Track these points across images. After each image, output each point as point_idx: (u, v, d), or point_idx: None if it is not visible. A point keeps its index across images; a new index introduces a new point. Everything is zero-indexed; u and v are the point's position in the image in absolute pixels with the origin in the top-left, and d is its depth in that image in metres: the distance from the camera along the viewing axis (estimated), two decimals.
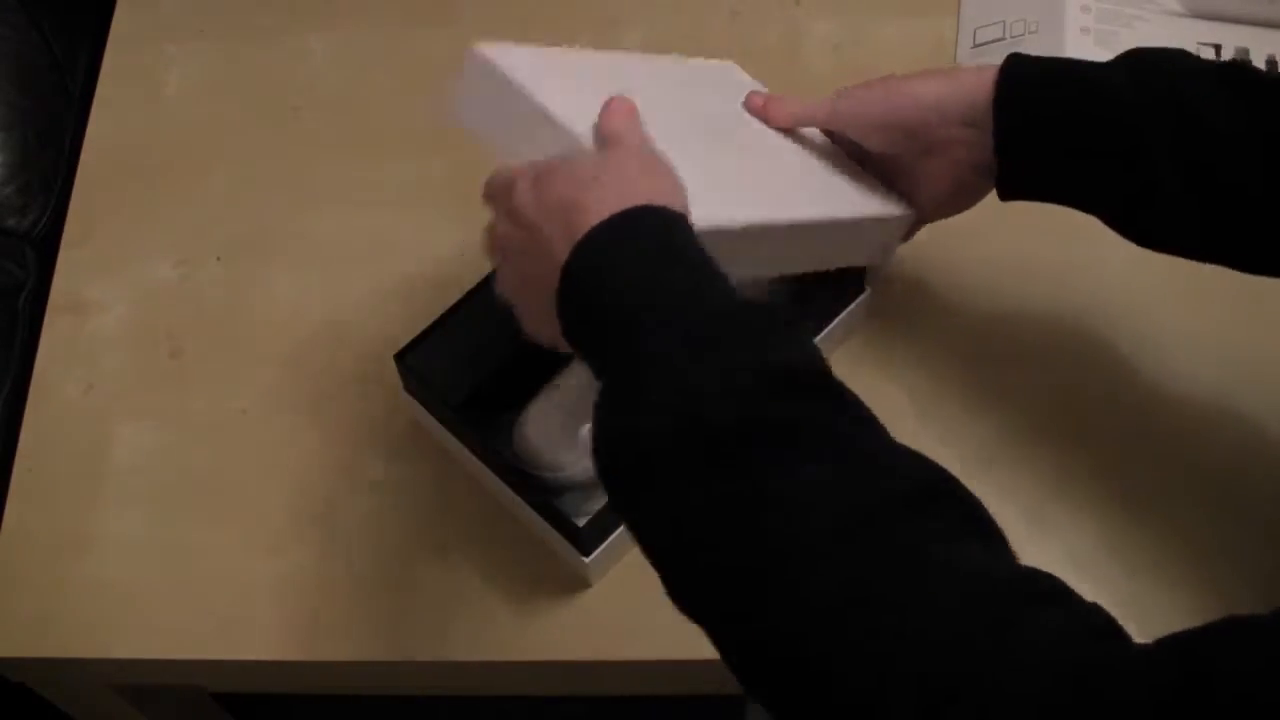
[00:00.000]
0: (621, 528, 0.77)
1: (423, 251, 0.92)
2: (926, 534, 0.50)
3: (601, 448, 0.56)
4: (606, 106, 0.66)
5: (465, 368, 0.79)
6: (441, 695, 0.89)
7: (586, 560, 0.76)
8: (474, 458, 0.80)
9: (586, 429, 0.76)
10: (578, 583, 0.79)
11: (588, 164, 0.62)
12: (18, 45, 1.02)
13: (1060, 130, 0.70)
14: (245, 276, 0.92)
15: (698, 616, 0.55)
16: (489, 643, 0.79)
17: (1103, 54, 0.91)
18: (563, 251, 0.58)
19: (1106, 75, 0.69)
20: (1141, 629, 0.49)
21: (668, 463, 0.53)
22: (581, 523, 0.74)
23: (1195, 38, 0.92)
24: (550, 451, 0.78)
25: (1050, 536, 0.79)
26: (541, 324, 0.62)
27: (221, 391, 0.87)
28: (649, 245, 0.58)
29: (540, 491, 0.77)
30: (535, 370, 0.81)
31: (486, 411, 0.82)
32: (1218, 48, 0.91)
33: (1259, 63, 0.91)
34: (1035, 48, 0.92)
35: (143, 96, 1.00)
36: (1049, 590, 0.50)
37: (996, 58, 0.93)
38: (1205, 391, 0.82)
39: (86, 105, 1.00)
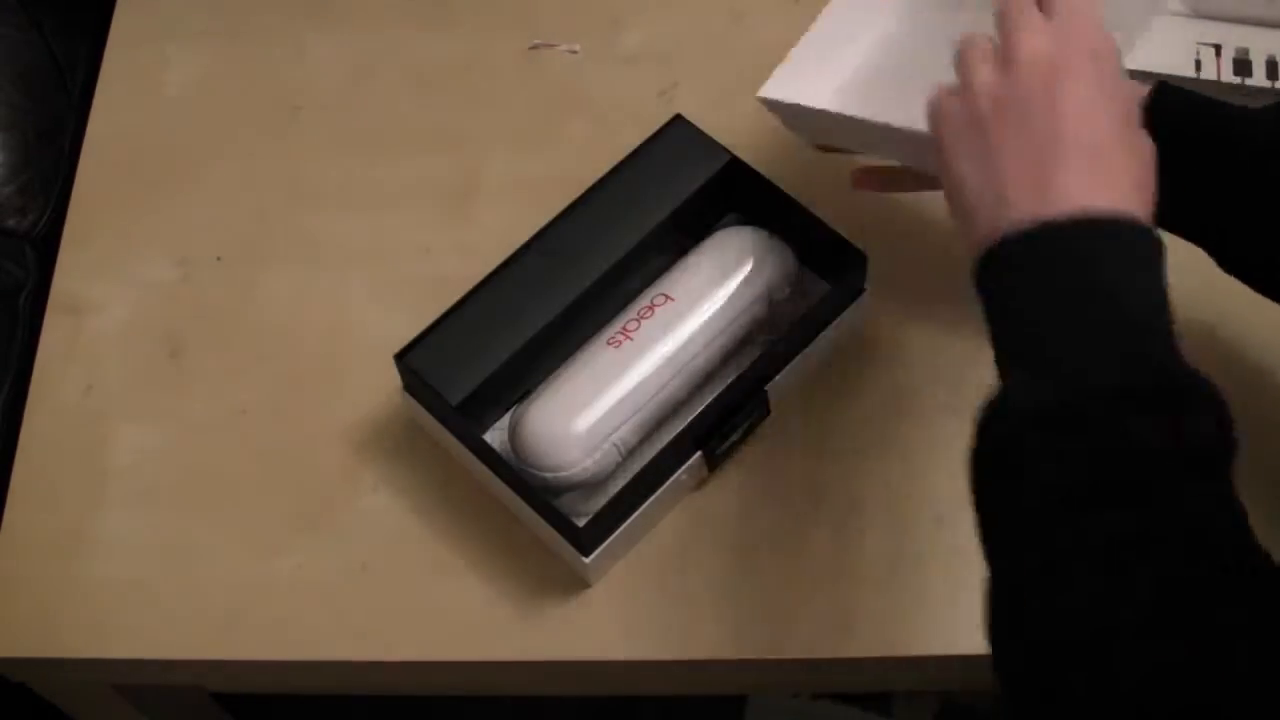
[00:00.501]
0: (621, 528, 0.77)
1: (423, 251, 0.92)
2: None
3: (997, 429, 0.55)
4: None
5: (465, 368, 0.79)
6: (441, 695, 0.89)
7: (586, 560, 0.76)
8: (474, 458, 0.80)
9: (585, 427, 0.76)
10: (578, 583, 0.79)
11: (1070, 101, 0.58)
12: (18, 45, 1.02)
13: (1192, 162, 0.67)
14: (245, 276, 0.92)
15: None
16: (489, 643, 0.79)
17: None
18: (1023, 206, 0.57)
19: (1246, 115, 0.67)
20: None
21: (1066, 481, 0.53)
22: (581, 523, 0.74)
23: (1196, 38, 0.92)
24: (550, 452, 0.78)
25: None
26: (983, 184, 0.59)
27: (221, 391, 0.88)
28: (1107, 266, 0.56)
29: (540, 492, 0.77)
30: (535, 370, 0.81)
31: (486, 411, 0.82)
32: (1218, 48, 0.91)
33: (1259, 63, 0.90)
34: None
35: (143, 96, 1.00)
36: None
37: None
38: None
39: (86, 105, 1.00)
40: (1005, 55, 0.60)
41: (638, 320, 0.80)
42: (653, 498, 0.78)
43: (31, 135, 1.00)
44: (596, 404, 0.78)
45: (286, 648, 0.80)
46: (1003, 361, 0.58)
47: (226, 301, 0.91)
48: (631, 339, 0.80)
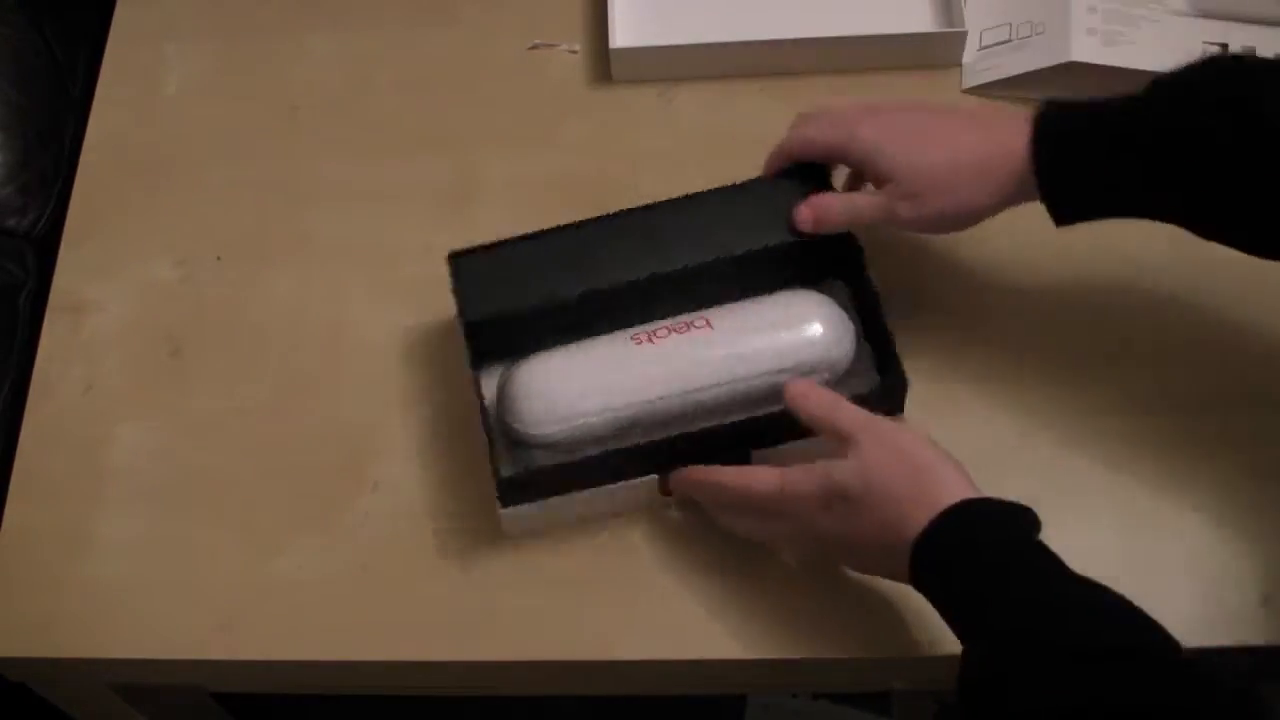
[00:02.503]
0: (548, 501, 0.78)
1: (423, 251, 0.91)
2: None
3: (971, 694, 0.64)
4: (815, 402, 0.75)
5: (494, 292, 0.79)
6: (441, 695, 0.89)
7: (500, 510, 0.78)
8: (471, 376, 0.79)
9: (569, 396, 0.77)
10: (578, 583, 0.79)
11: (878, 488, 0.70)
12: (18, 45, 1.02)
13: (1106, 164, 0.72)
14: (245, 276, 0.92)
15: None
16: (489, 643, 0.79)
17: (1110, 54, 0.91)
18: (919, 516, 0.67)
19: (1135, 104, 0.72)
20: None
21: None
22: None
23: (1201, 37, 0.91)
24: (525, 400, 0.78)
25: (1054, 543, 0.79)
26: (871, 565, 0.73)
27: (221, 391, 0.87)
28: (1002, 534, 0.67)
29: (489, 417, 0.78)
30: (555, 330, 0.80)
31: (497, 345, 0.81)
32: (1224, 47, 0.91)
33: None
34: (1042, 49, 0.92)
35: (143, 96, 1.00)
36: None
37: (1002, 59, 0.94)
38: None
39: (86, 105, 1.00)
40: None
41: (669, 331, 0.80)
42: (590, 491, 0.78)
43: (31, 135, 1.00)
44: (591, 380, 0.78)
45: (286, 648, 0.80)
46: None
47: (226, 301, 0.91)
48: (655, 344, 0.79)
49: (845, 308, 0.82)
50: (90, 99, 1.00)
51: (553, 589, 0.80)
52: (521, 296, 0.80)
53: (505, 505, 0.78)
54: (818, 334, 0.79)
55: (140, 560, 0.82)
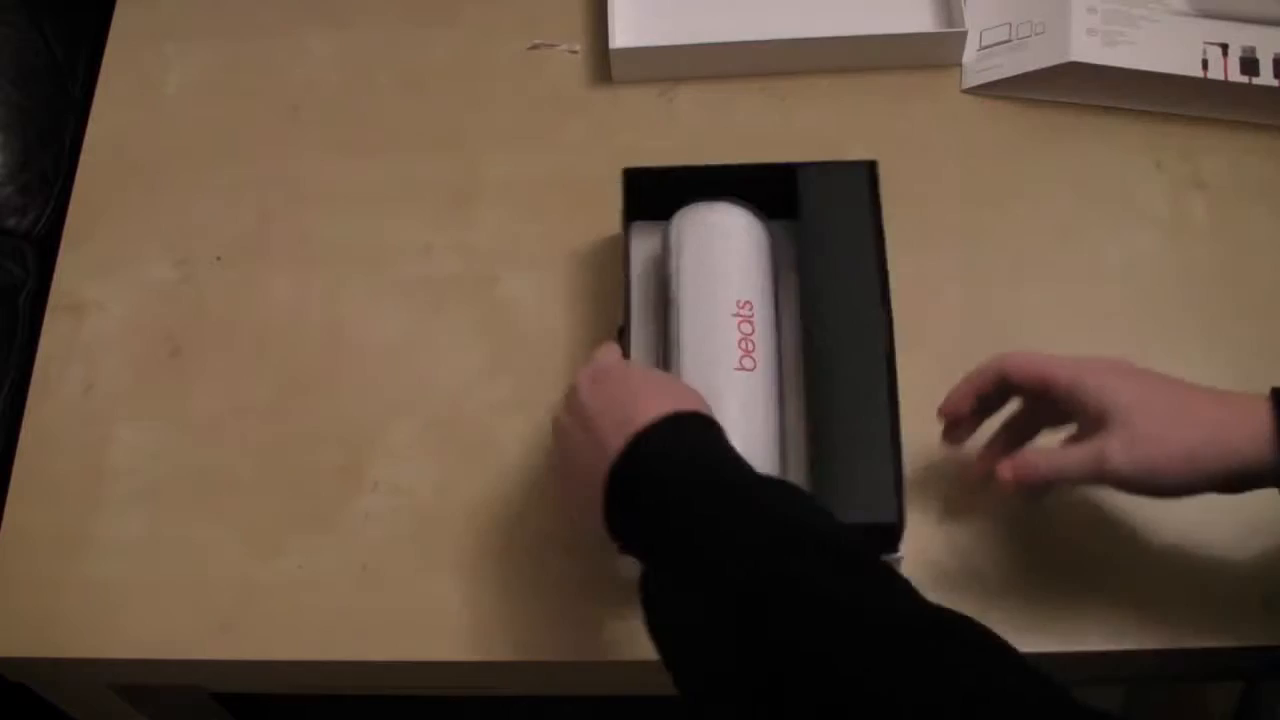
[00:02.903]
0: None
1: (423, 251, 0.91)
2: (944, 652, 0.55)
3: (651, 620, 0.64)
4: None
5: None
6: (441, 695, 0.89)
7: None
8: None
9: None
10: (579, 583, 0.79)
11: (635, 372, 0.72)
12: (18, 45, 1.02)
13: None
14: (245, 276, 0.92)
15: None
16: (489, 643, 0.79)
17: (1110, 54, 0.91)
18: (617, 442, 0.65)
19: None
20: None
21: (706, 633, 0.60)
22: None
23: (1202, 37, 0.91)
24: None
25: (1054, 543, 0.79)
26: (584, 511, 0.68)
27: (221, 391, 0.87)
28: (697, 441, 0.66)
29: None
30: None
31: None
32: (1224, 47, 0.91)
33: (1266, 62, 0.90)
34: (1042, 49, 0.92)
35: (143, 96, 1.00)
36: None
37: (1002, 59, 0.94)
38: None
39: (86, 105, 1.00)
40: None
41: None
42: None
43: (31, 135, 1.00)
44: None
45: (286, 648, 0.80)
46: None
47: (226, 301, 0.91)
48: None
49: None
50: (90, 99, 1.00)
51: (553, 589, 0.80)
52: None
53: None
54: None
55: (140, 560, 0.82)
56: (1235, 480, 0.67)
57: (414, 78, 0.99)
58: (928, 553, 0.78)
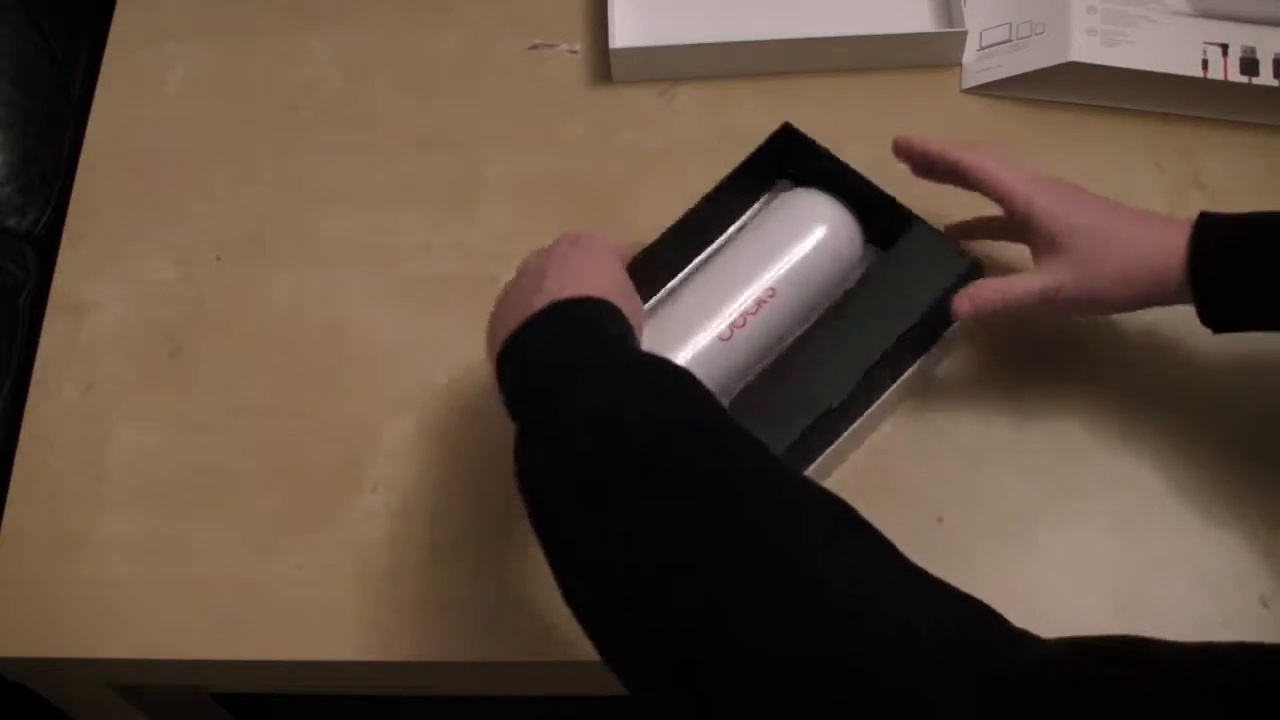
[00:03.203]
0: None
1: (423, 251, 0.92)
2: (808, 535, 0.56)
3: (519, 477, 0.65)
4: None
5: None
6: (441, 695, 0.89)
7: None
8: None
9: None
10: None
11: (606, 258, 0.73)
12: (18, 45, 1.02)
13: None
14: (245, 276, 0.92)
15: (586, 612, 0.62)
16: (489, 643, 0.79)
17: (1110, 54, 0.91)
18: (541, 301, 0.68)
19: None
20: None
21: (553, 490, 0.62)
22: None
23: (1202, 38, 0.91)
24: None
25: (1054, 544, 0.79)
26: (490, 345, 0.71)
27: (221, 391, 0.87)
28: (583, 324, 0.68)
29: None
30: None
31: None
32: (1224, 47, 0.91)
33: (1266, 63, 0.90)
34: (1041, 49, 0.92)
35: (143, 96, 1.00)
36: (939, 587, 0.55)
37: (1002, 59, 0.94)
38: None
39: (86, 105, 1.00)
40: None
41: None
42: None
43: (31, 135, 1.00)
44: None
45: (286, 648, 0.80)
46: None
47: (226, 301, 0.91)
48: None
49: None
50: (90, 99, 1.00)
51: (554, 588, 0.79)
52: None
53: None
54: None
55: (140, 560, 0.82)
56: (1149, 299, 0.74)
57: (414, 78, 0.99)
58: (930, 556, 0.78)
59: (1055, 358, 0.85)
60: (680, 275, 0.85)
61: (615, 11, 0.96)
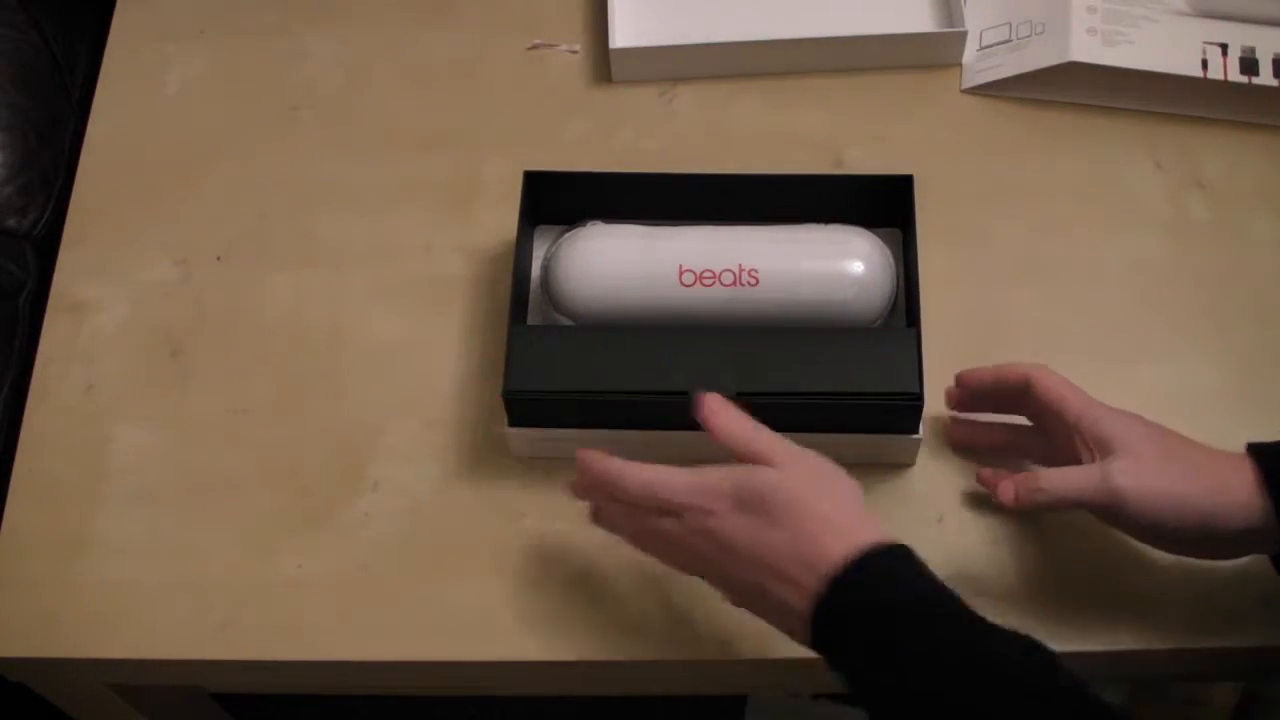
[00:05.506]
0: (553, 431, 0.80)
1: (423, 251, 0.92)
2: None
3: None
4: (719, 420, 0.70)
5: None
6: (441, 695, 0.89)
7: (507, 427, 0.80)
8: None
9: (607, 283, 0.80)
10: (578, 583, 0.79)
11: (802, 501, 0.66)
12: (18, 45, 1.02)
13: None
14: (245, 276, 0.92)
15: None
16: (489, 643, 0.79)
17: (1110, 54, 0.91)
18: (809, 581, 0.64)
19: None
20: None
21: None
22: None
23: (1202, 38, 0.91)
24: (566, 277, 0.81)
25: (1054, 544, 0.79)
26: (756, 590, 0.67)
27: (221, 391, 0.87)
28: (901, 584, 0.64)
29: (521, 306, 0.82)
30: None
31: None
32: (1224, 47, 0.91)
33: (1266, 62, 0.90)
34: (1042, 49, 0.92)
35: (143, 96, 1.00)
36: None
37: (1002, 59, 0.94)
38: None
39: (86, 105, 1.00)
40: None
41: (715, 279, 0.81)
42: (603, 431, 0.78)
43: (31, 135, 0.99)
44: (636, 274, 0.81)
45: (286, 648, 0.80)
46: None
47: (226, 301, 0.91)
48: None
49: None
50: (90, 99, 1.00)
51: (553, 589, 0.80)
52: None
53: (511, 423, 0.80)
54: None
55: (140, 560, 0.82)
56: (1221, 529, 0.68)
57: (414, 78, 0.99)
58: (930, 556, 0.78)
59: (1058, 359, 0.84)
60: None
61: (615, 11, 0.96)
